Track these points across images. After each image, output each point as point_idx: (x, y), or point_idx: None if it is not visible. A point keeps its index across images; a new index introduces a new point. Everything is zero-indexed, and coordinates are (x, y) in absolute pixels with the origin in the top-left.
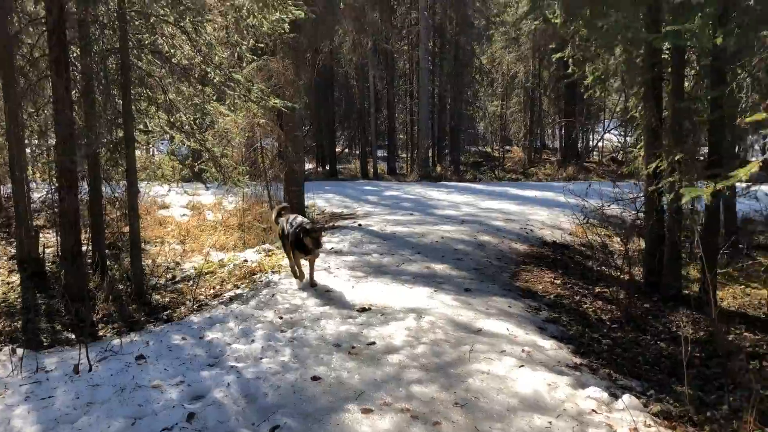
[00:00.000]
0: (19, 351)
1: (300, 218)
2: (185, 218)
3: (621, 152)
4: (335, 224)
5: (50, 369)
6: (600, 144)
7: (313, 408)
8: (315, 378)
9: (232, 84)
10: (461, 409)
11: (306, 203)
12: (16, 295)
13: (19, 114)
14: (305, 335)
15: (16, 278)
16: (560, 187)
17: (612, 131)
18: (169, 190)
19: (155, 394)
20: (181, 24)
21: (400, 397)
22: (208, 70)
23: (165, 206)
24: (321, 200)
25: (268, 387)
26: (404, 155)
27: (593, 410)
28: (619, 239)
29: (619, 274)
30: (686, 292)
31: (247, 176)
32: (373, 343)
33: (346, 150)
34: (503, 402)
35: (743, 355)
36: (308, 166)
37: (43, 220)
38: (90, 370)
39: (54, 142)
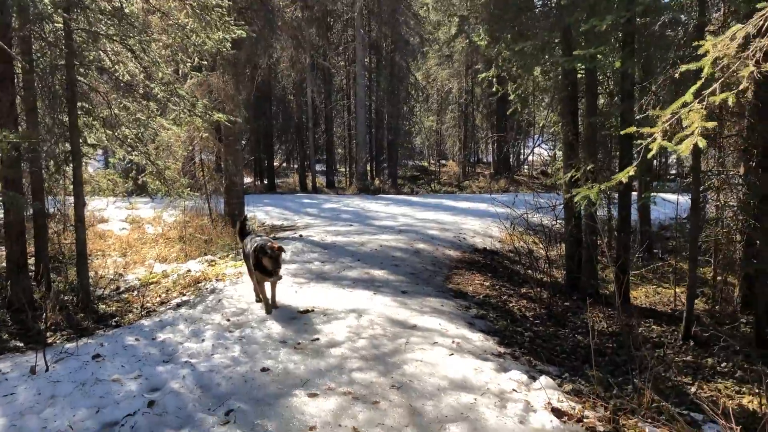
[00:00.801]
0: None
1: (261, 238)
2: (125, 232)
3: (550, 165)
4: (276, 236)
5: (6, 371)
6: (531, 158)
7: (263, 394)
8: (264, 369)
9: (176, 99)
10: (397, 390)
11: (246, 216)
12: None
13: None
14: (253, 334)
15: None
16: (491, 198)
17: (542, 145)
18: (108, 205)
19: (115, 386)
20: (127, 42)
21: (343, 382)
22: (152, 85)
23: (104, 220)
24: (261, 213)
25: (221, 378)
26: (343, 169)
27: (514, 390)
28: (543, 245)
29: (542, 276)
30: (603, 291)
31: (189, 188)
32: (317, 339)
33: (284, 164)
34: (435, 384)
35: (649, 344)
36: (247, 179)
37: None
38: (47, 370)
39: None
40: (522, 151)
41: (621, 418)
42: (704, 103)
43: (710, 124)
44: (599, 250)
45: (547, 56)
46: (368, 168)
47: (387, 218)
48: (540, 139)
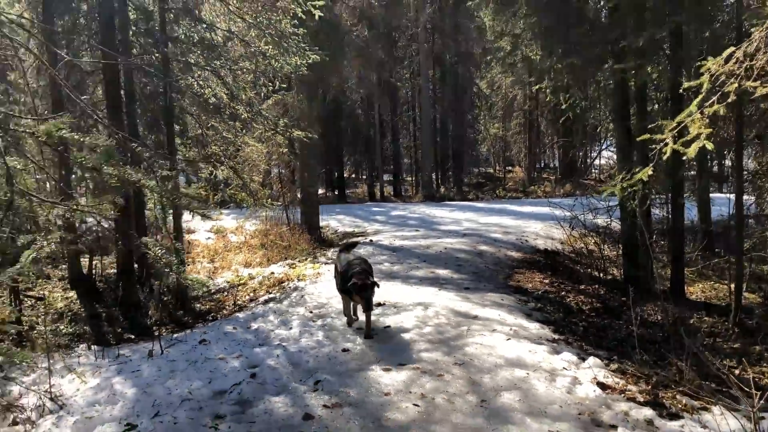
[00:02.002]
0: (93, 347)
1: (356, 258)
2: (211, 241)
3: (615, 168)
4: (348, 241)
5: (128, 355)
6: (598, 162)
7: (344, 369)
8: (344, 350)
9: (260, 119)
10: (459, 366)
11: (320, 224)
12: (78, 307)
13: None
14: (333, 323)
15: (72, 294)
16: (556, 203)
17: (609, 149)
18: (194, 216)
19: (221, 363)
20: (215, 69)
21: (412, 360)
22: (238, 107)
23: (191, 231)
24: (333, 221)
25: (309, 357)
26: (409, 178)
27: (563, 368)
28: (605, 246)
29: (599, 274)
30: (659, 287)
31: (269, 199)
32: (389, 326)
33: (353, 175)
34: (492, 362)
35: (699, 333)
36: (318, 190)
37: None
38: (162, 353)
39: None
40: (589, 155)
41: (661, 392)
42: (705, 113)
43: (707, 131)
44: (654, 247)
45: (596, 69)
46: (434, 176)
47: (451, 223)
48: (606, 143)
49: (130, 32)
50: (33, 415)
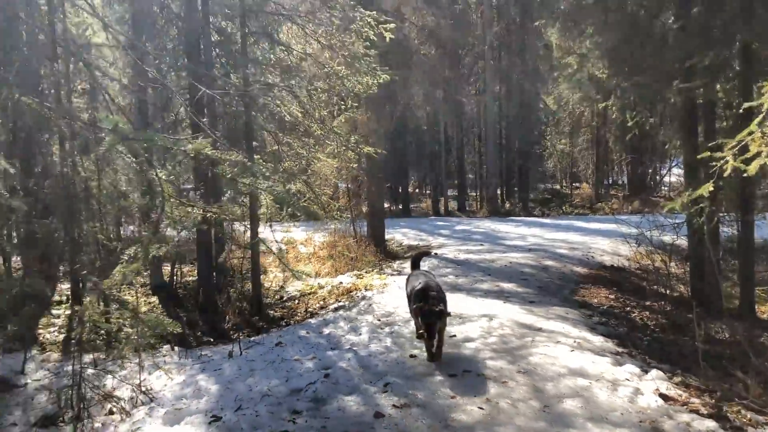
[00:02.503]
0: (176, 348)
1: (429, 281)
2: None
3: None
4: (420, 251)
5: (210, 355)
6: (668, 179)
7: (412, 373)
8: (412, 356)
9: (333, 135)
10: (523, 374)
11: (386, 237)
12: (159, 311)
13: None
14: (400, 331)
15: (154, 299)
16: (623, 220)
17: (679, 166)
18: (264, 228)
19: (297, 364)
20: (292, 89)
21: (477, 367)
22: (312, 125)
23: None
24: (398, 234)
25: (378, 361)
26: (473, 194)
27: (626, 378)
28: (673, 264)
29: (666, 291)
30: (728, 305)
31: (338, 211)
32: (454, 335)
33: (417, 190)
34: (555, 371)
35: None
36: (384, 204)
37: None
38: (241, 354)
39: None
40: (658, 172)
41: (725, 405)
42: (765, 132)
43: (765, 147)
44: (721, 265)
45: (663, 87)
46: (498, 192)
47: (516, 238)
48: (675, 160)
49: (213, 54)
50: (127, 406)
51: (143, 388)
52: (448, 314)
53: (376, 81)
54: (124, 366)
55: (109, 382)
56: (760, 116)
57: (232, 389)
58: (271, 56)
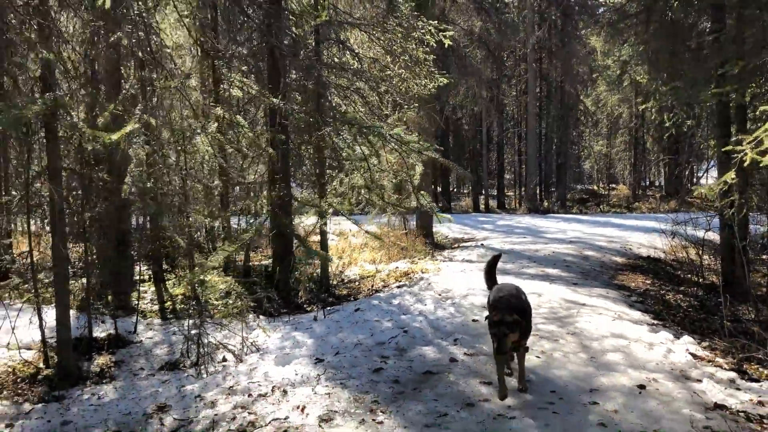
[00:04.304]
0: (261, 317)
1: (511, 290)
2: (333, 242)
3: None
4: (461, 245)
5: (297, 320)
6: (705, 181)
7: (476, 333)
8: (474, 320)
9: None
10: (571, 335)
11: (433, 230)
12: (239, 289)
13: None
14: (460, 302)
15: (229, 278)
16: (660, 218)
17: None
18: (318, 221)
19: (377, 324)
20: (363, 93)
21: (532, 330)
22: (377, 124)
23: (315, 233)
24: (444, 228)
25: (446, 323)
26: (510, 193)
27: (660, 342)
28: (706, 256)
29: (699, 279)
30: (757, 292)
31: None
32: None
33: (456, 188)
34: (599, 333)
35: None
36: None
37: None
38: (325, 318)
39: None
40: (695, 173)
41: (745, 364)
42: None
43: None
44: (749, 252)
45: (698, 91)
46: (537, 190)
47: (557, 232)
48: (712, 162)
49: (287, 61)
50: (239, 354)
51: (249, 341)
52: (521, 324)
53: (434, 84)
54: (225, 328)
55: (218, 336)
56: None
57: (327, 341)
58: (341, 60)
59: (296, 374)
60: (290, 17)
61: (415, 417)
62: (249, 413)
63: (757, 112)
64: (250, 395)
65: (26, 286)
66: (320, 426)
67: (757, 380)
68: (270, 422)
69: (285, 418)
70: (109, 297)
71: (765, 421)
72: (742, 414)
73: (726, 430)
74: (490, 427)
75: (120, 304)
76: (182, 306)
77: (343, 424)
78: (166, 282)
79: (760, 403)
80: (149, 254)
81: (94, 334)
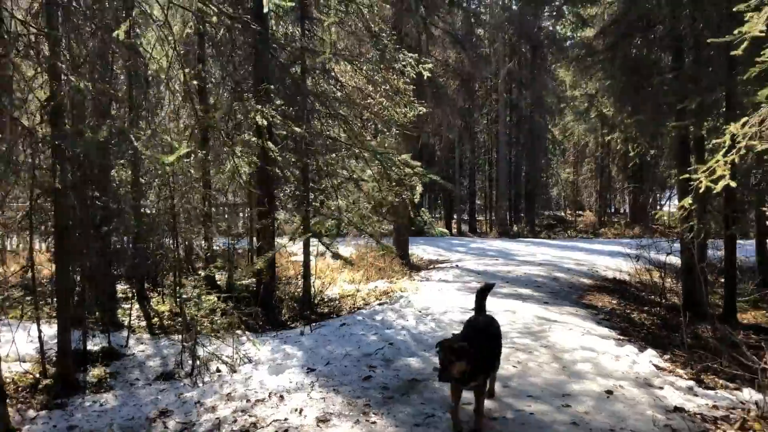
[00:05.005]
0: (246, 333)
1: (479, 324)
2: (312, 262)
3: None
4: (436, 266)
5: (284, 334)
6: (668, 208)
7: None
8: (454, 334)
9: (376, 159)
10: (544, 347)
11: (409, 251)
12: (223, 306)
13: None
14: (440, 318)
15: (212, 297)
16: (625, 242)
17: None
18: (294, 242)
19: (363, 337)
20: (348, 120)
21: (508, 342)
22: (358, 150)
23: (293, 254)
24: (419, 250)
25: (427, 336)
26: (481, 218)
27: (626, 354)
28: (669, 279)
29: (662, 299)
30: (714, 312)
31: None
32: None
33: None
34: (569, 346)
35: (744, 346)
36: None
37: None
38: (311, 332)
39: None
40: (658, 201)
41: (703, 374)
42: (726, 160)
43: (728, 173)
44: (706, 272)
45: (660, 124)
46: (507, 215)
47: (527, 255)
48: (674, 190)
49: (276, 86)
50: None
51: (241, 353)
52: (470, 357)
53: (413, 112)
54: (216, 341)
55: (210, 348)
56: (724, 149)
57: (316, 353)
58: (325, 88)
59: (290, 382)
60: (274, 45)
61: (405, 418)
62: (249, 416)
63: (711, 144)
64: (248, 400)
65: (24, 299)
66: (318, 426)
67: (713, 388)
68: (271, 423)
69: (285, 420)
70: (97, 313)
71: (718, 422)
72: (698, 416)
73: (684, 428)
74: (474, 425)
75: (108, 319)
76: (169, 322)
77: (339, 424)
78: (150, 300)
79: (715, 407)
80: (132, 273)
81: (88, 348)
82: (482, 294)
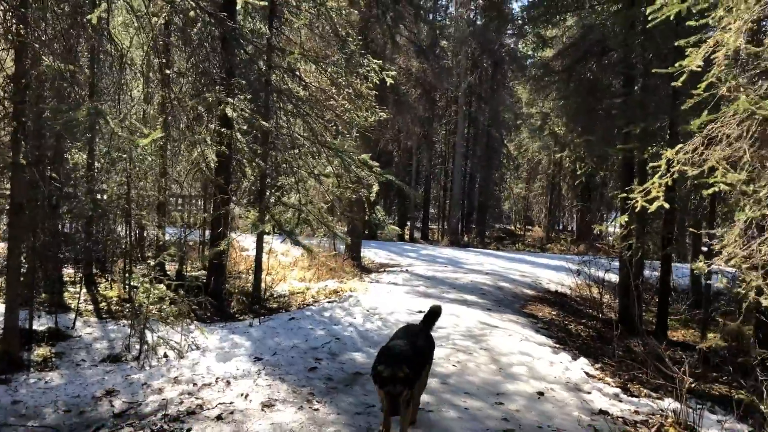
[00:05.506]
0: (195, 323)
1: (407, 333)
2: (263, 259)
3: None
4: (387, 269)
5: (232, 326)
6: (613, 229)
7: None
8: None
9: (337, 159)
10: (483, 350)
11: (361, 254)
12: (174, 295)
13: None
14: (387, 318)
15: (162, 287)
16: (569, 258)
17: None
18: (246, 237)
19: (311, 331)
20: (309, 121)
21: (450, 344)
22: (316, 148)
23: (245, 249)
24: (370, 253)
25: (373, 334)
26: (433, 226)
27: (560, 361)
28: (608, 296)
29: (599, 314)
30: (647, 328)
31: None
32: None
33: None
34: (507, 350)
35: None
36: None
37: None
38: (260, 324)
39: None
40: (604, 220)
41: (629, 383)
42: (661, 183)
43: (662, 195)
44: (641, 290)
45: (607, 146)
46: (459, 225)
47: (476, 264)
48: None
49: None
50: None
51: (189, 341)
52: (411, 381)
53: (374, 117)
54: (164, 328)
55: (158, 333)
56: (659, 173)
57: (264, 343)
58: (289, 87)
59: (237, 369)
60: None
61: (346, 407)
62: (196, 398)
63: (651, 169)
64: (195, 384)
65: None
66: (263, 410)
67: (637, 396)
68: (217, 405)
69: (230, 403)
70: (44, 294)
71: (638, 425)
72: (620, 419)
73: (606, 428)
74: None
75: (56, 301)
76: (117, 308)
77: (283, 410)
78: (98, 285)
79: (636, 413)
80: (83, 256)
81: (34, 328)
82: (430, 318)
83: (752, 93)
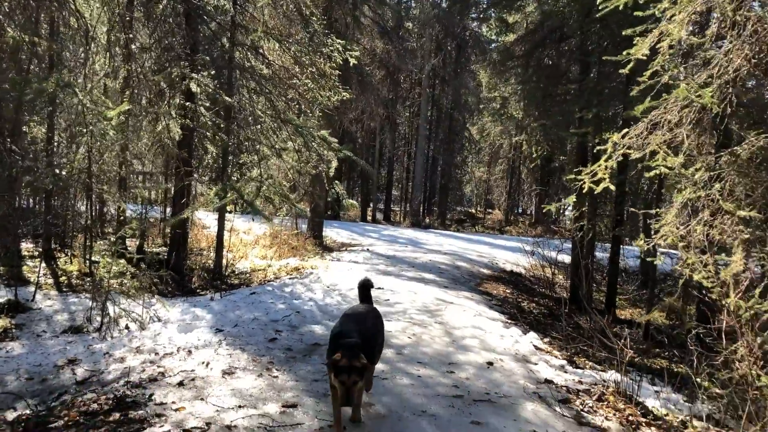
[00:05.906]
0: (156, 297)
1: (363, 312)
2: (226, 236)
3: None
4: (348, 249)
5: (194, 300)
6: (570, 214)
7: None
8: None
9: (299, 137)
10: (438, 324)
11: (323, 233)
12: (133, 271)
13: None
14: (346, 293)
15: (122, 261)
16: (525, 240)
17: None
18: (208, 215)
19: (272, 305)
20: (271, 97)
21: (406, 318)
22: (278, 125)
23: (206, 227)
24: (332, 233)
25: (332, 308)
26: (396, 208)
27: (510, 335)
28: (561, 276)
29: (551, 292)
30: (596, 306)
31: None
32: (388, 299)
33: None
34: (461, 323)
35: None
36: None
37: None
38: (221, 298)
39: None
40: (562, 205)
41: (575, 356)
42: (607, 166)
43: (608, 177)
44: (593, 275)
45: (562, 130)
46: (421, 207)
47: (435, 245)
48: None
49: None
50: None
51: (151, 313)
52: (366, 370)
53: (337, 97)
54: (126, 300)
55: (118, 309)
56: (606, 155)
57: (225, 316)
58: (252, 64)
59: (199, 339)
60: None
61: (305, 374)
62: (158, 367)
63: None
64: (157, 354)
65: None
66: (224, 377)
67: (582, 368)
68: (178, 373)
69: (191, 371)
70: (2, 267)
71: (580, 393)
72: (564, 388)
73: (549, 395)
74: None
75: (15, 274)
76: (78, 281)
77: (243, 377)
78: (58, 260)
79: (580, 382)
80: (42, 230)
81: None
82: (364, 289)
83: (692, 82)
